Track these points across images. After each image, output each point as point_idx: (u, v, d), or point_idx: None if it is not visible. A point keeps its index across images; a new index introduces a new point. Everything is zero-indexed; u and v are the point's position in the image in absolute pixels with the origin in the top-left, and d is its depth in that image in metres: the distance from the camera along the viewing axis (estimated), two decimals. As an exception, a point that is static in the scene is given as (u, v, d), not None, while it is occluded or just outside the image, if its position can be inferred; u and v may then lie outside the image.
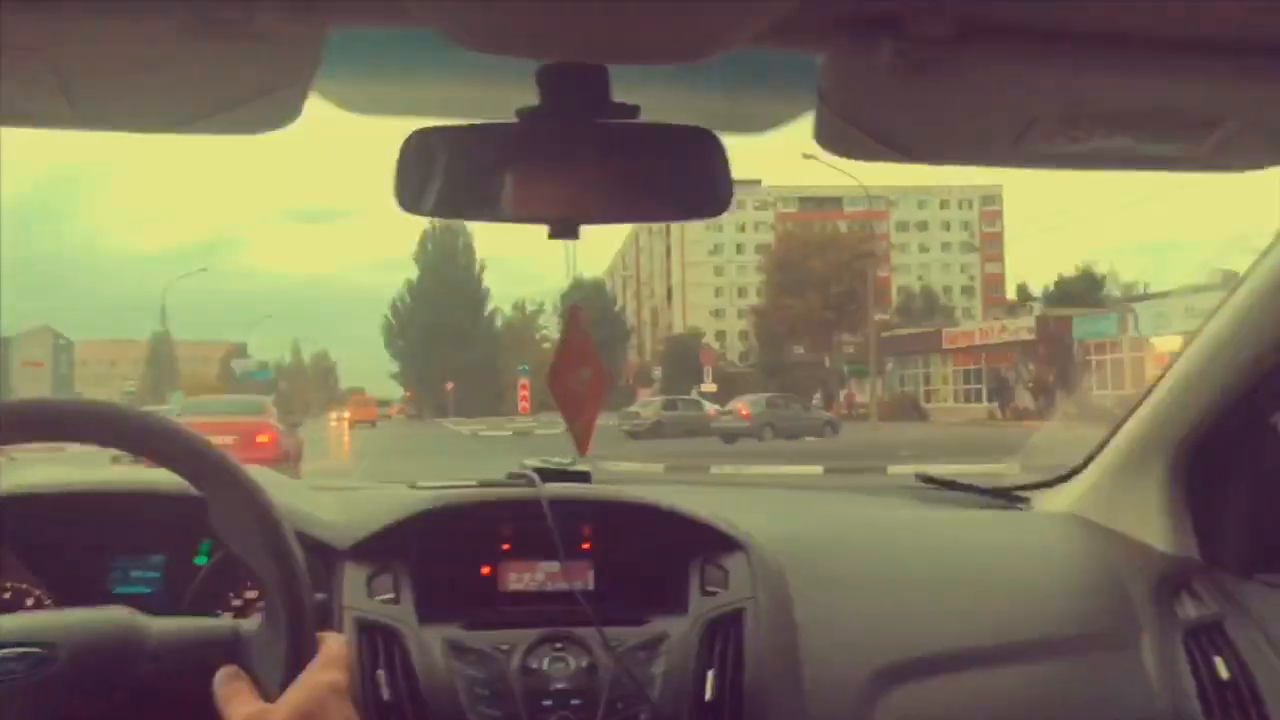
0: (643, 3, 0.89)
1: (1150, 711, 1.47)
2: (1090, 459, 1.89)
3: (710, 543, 1.48)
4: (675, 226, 64.11)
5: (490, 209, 1.16)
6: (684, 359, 52.29)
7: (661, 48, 0.99)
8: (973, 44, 0.99)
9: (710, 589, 1.44)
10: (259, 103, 1.06)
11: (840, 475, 13.33)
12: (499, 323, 68.59)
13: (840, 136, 1.15)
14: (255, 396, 17.97)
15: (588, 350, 1.42)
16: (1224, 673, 1.50)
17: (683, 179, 1.13)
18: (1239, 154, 1.17)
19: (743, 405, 28.93)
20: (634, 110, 1.10)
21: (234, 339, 66.32)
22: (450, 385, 53.08)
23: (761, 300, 58.46)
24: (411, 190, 1.14)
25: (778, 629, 1.42)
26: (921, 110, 1.10)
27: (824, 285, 50.69)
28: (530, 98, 1.11)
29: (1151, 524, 1.71)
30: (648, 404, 33.55)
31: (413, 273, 68.68)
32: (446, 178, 1.14)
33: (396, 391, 68.45)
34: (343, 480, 1.86)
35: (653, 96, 1.16)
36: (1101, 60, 1.02)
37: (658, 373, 45.12)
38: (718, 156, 1.11)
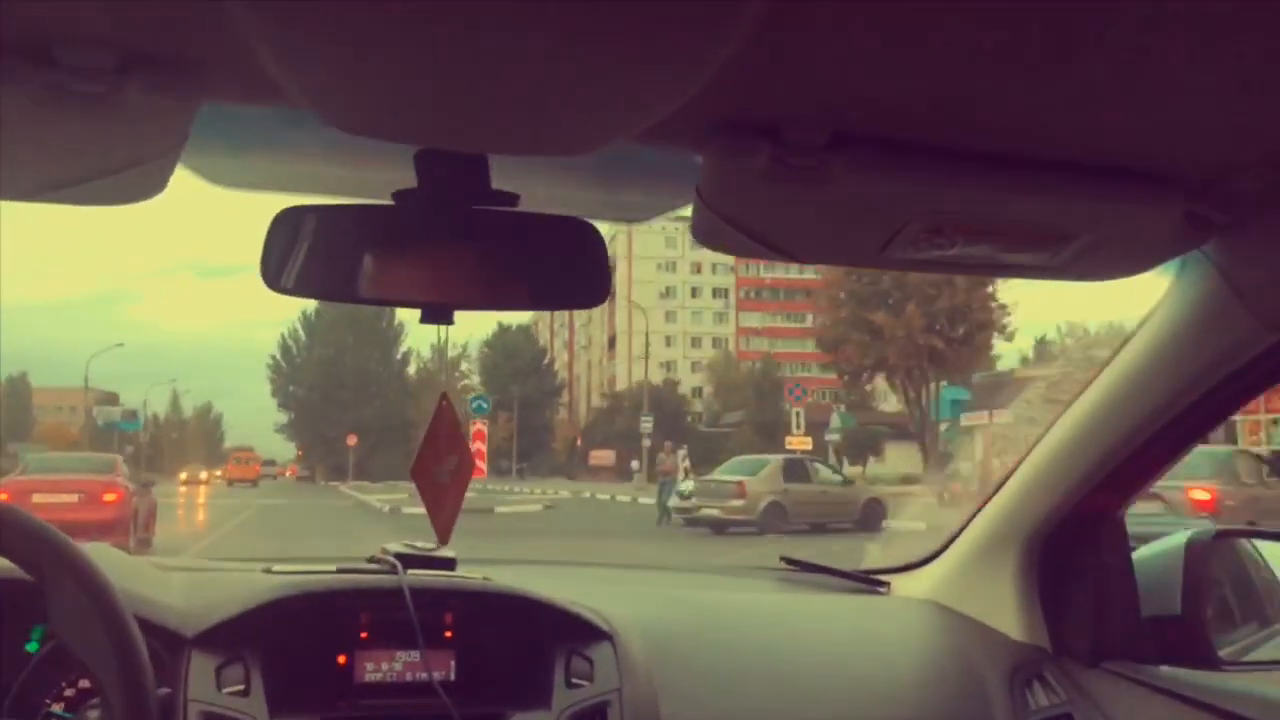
0: (524, 97, 0.89)
1: None
2: (949, 544, 1.93)
3: (576, 632, 1.46)
4: (624, 263, 58.99)
5: (361, 291, 1.13)
6: (665, 417, 44.24)
7: (542, 141, 0.99)
8: (844, 153, 1.02)
9: (576, 680, 1.42)
10: (124, 174, 1.01)
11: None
12: (413, 367, 57.68)
13: (717, 232, 1.17)
14: (106, 455, 17.39)
15: (456, 438, 1.39)
16: None
17: (560, 268, 1.12)
18: (1094, 266, 1.23)
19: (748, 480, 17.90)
20: (513, 198, 1.10)
21: (108, 387, 55.19)
22: (352, 440, 44.00)
23: (812, 323, 44.23)
24: (279, 268, 1.10)
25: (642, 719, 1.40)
26: (795, 213, 1.12)
27: (929, 298, 33.36)
28: (408, 179, 1.10)
29: (1005, 613, 1.76)
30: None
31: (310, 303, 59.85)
32: (317, 257, 1.11)
33: (290, 449, 57.97)
34: (193, 560, 1.77)
35: (534, 184, 1.15)
36: (965, 175, 1.06)
37: (648, 424, 33.40)
38: (596, 247, 1.11)
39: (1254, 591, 1.92)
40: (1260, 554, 1.92)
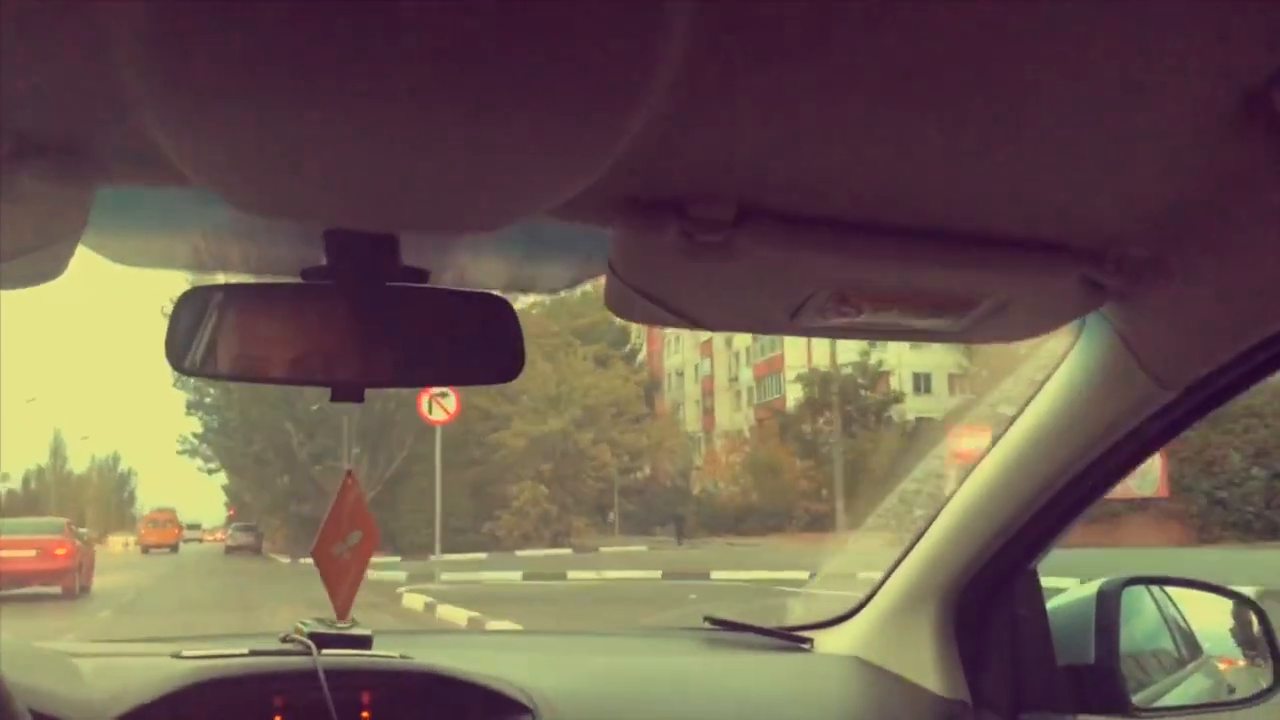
0: (430, 178, 0.89)
1: None
2: (869, 599, 1.94)
3: (497, 707, 1.43)
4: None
5: (270, 371, 1.12)
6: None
7: (451, 220, 0.99)
8: (750, 228, 1.04)
9: None
10: (22, 260, 0.99)
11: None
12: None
13: (629, 303, 1.18)
14: (57, 518, 19.86)
15: (362, 512, 1.37)
16: None
17: (473, 344, 1.12)
18: (997, 330, 1.26)
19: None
20: (423, 274, 1.09)
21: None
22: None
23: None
24: (185, 348, 1.09)
25: None
26: (704, 285, 1.13)
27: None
28: (317, 255, 1.09)
29: (926, 667, 1.77)
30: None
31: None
32: (224, 336, 1.09)
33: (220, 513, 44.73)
34: (103, 645, 1.71)
35: (445, 259, 1.15)
36: (869, 247, 1.09)
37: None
38: (508, 321, 1.11)
39: (1164, 637, 1.97)
40: (1170, 600, 1.97)
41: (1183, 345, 1.27)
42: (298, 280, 1.10)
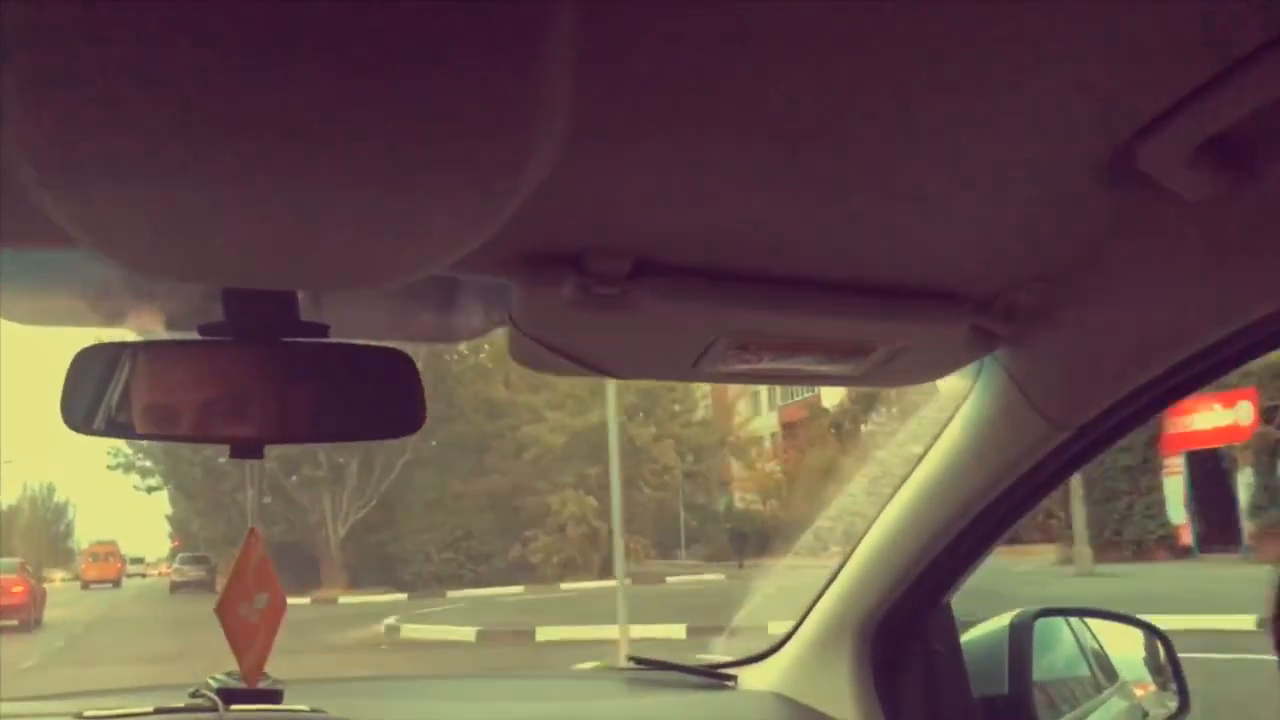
0: (322, 236, 0.89)
1: None
2: (790, 635, 1.96)
3: None
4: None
5: (167, 429, 1.11)
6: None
7: (346, 277, 0.99)
8: (647, 281, 1.05)
9: None
10: None
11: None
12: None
13: (533, 354, 1.19)
14: (11, 559, 21.18)
15: (266, 573, 1.35)
16: None
17: (373, 399, 1.12)
18: (894, 374, 1.29)
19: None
20: (323, 329, 1.09)
21: None
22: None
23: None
24: (81, 408, 1.08)
25: None
26: (605, 335, 1.15)
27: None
28: (215, 312, 1.09)
29: (844, 702, 1.79)
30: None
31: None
32: (120, 395, 1.08)
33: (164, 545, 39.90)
34: (3, 705, 1.67)
35: (345, 313, 1.15)
36: (765, 297, 1.11)
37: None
38: (408, 374, 1.12)
39: (1080, 666, 2.00)
40: (1086, 629, 2.01)
41: (1072, 388, 1.30)
42: (195, 337, 1.10)
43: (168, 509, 36.42)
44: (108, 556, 36.22)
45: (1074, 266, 1.14)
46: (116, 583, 34.58)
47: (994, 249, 1.11)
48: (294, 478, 26.40)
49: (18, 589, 18.05)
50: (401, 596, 22.55)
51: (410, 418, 1.12)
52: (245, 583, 1.32)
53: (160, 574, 36.21)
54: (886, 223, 1.04)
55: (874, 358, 1.24)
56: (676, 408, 28.66)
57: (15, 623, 17.22)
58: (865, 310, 1.16)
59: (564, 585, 23.05)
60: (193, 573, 28.72)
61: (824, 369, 1.27)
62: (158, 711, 1.38)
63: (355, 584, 26.52)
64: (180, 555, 31.99)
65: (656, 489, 28.41)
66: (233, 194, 0.79)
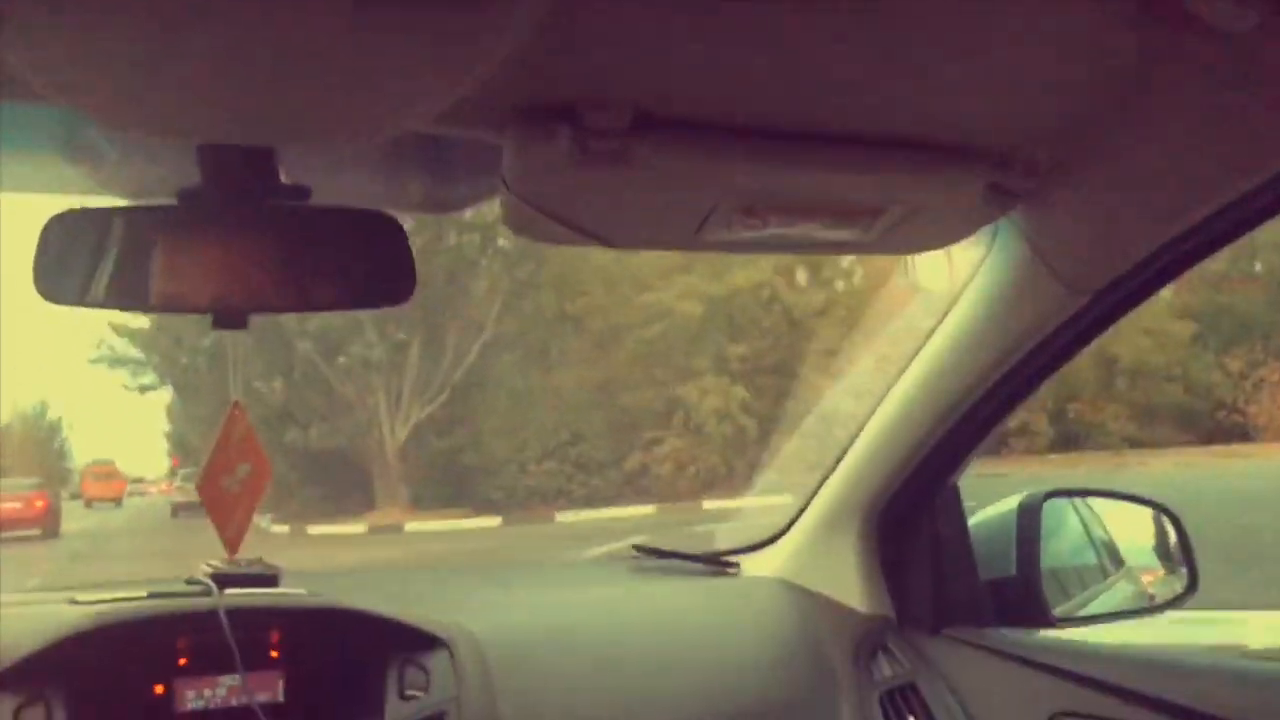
0: (302, 83, 0.83)
1: None
2: (794, 521, 1.94)
3: (409, 642, 1.40)
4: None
5: (145, 298, 1.06)
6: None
7: (330, 128, 0.94)
8: (648, 135, 1.00)
9: (410, 693, 1.36)
10: None
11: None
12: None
13: (528, 221, 1.14)
14: (33, 478, 22.83)
15: (250, 445, 1.31)
16: None
17: (360, 265, 1.07)
18: (905, 240, 1.24)
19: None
20: (305, 192, 1.04)
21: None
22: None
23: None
24: (54, 277, 1.03)
25: None
26: (603, 199, 1.10)
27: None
28: (193, 175, 1.03)
29: (850, 586, 1.78)
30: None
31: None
32: (95, 264, 1.03)
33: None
34: None
35: (329, 178, 1.10)
36: (773, 154, 1.06)
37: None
38: (398, 241, 1.06)
39: (1084, 548, 1.99)
40: (1092, 510, 1.99)
41: (1092, 249, 1.25)
42: (172, 202, 1.04)
43: (165, 425, 32.66)
44: (109, 476, 34.46)
45: (1100, 115, 1.08)
46: (118, 501, 34.12)
47: (1017, 97, 1.05)
48: (341, 359, 18.91)
49: (40, 503, 20.32)
50: (491, 521, 16.84)
51: (400, 286, 1.07)
52: (227, 456, 1.28)
53: (161, 491, 33.19)
54: (904, 68, 0.98)
55: (885, 220, 1.18)
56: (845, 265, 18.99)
57: (39, 532, 19.39)
58: (879, 166, 1.10)
59: (708, 504, 16.64)
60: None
61: (832, 235, 1.21)
62: (151, 595, 1.36)
63: (419, 504, 19.35)
64: (182, 472, 27.31)
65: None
66: (202, 36, 0.74)
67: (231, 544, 1.33)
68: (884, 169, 1.11)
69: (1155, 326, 20.38)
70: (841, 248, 1.27)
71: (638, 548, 2.04)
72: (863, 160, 1.10)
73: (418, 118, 0.93)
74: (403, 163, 1.15)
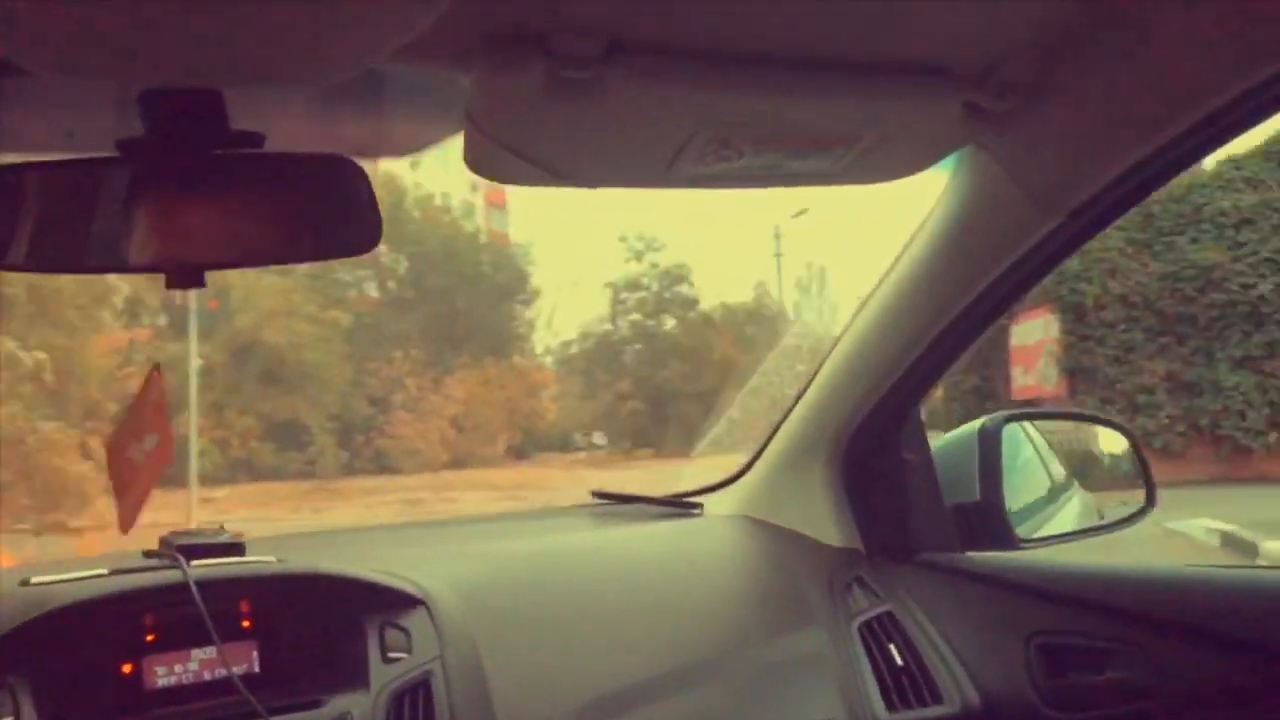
0: (251, 17, 0.77)
1: (834, 710, 1.51)
2: (756, 458, 1.93)
3: (387, 603, 1.36)
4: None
5: (93, 259, 1.00)
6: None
7: (280, 68, 0.87)
8: (622, 64, 0.96)
9: (393, 655, 1.33)
10: None
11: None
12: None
13: (491, 159, 1.09)
14: None
15: (161, 414, 1.24)
16: (897, 659, 1.57)
17: (321, 213, 1.01)
18: (877, 167, 1.22)
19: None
20: (258, 139, 0.97)
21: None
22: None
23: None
24: None
25: (468, 685, 1.33)
26: (574, 133, 1.05)
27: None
28: (135, 127, 0.96)
29: (818, 519, 1.77)
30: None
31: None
32: (35, 224, 0.96)
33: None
34: None
35: (282, 122, 1.04)
36: (746, 80, 1.03)
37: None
38: (360, 186, 1.00)
39: (1040, 471, 2.01)
40: (1044, 435, 2.01)
41: (1065, 169, 1.24)
42: (114, 155, 0.97)
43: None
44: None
45: (1074, 31, 1.07)
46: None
47: (993, 13, 1.03)
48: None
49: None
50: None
51: (364, 233, 1.02)
52: (141, 420, 1.21)
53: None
54: None
55: (858, 148, 1.16)
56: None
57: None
58: (853, 89, 1.07)
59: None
60: None
61: (805, 165, 1.18)
62: (114, 572, 1.30)
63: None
64: None
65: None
66: None
67: (125, 522, 1.25)
68: (859, 92, 1.09)
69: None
70: (812, 179, 1.24)
71: (597, 494, 2.02)
72: (837, 84, 1.07)
73: (378, 53, 0.87)
74: (357, 104, 1.09)
